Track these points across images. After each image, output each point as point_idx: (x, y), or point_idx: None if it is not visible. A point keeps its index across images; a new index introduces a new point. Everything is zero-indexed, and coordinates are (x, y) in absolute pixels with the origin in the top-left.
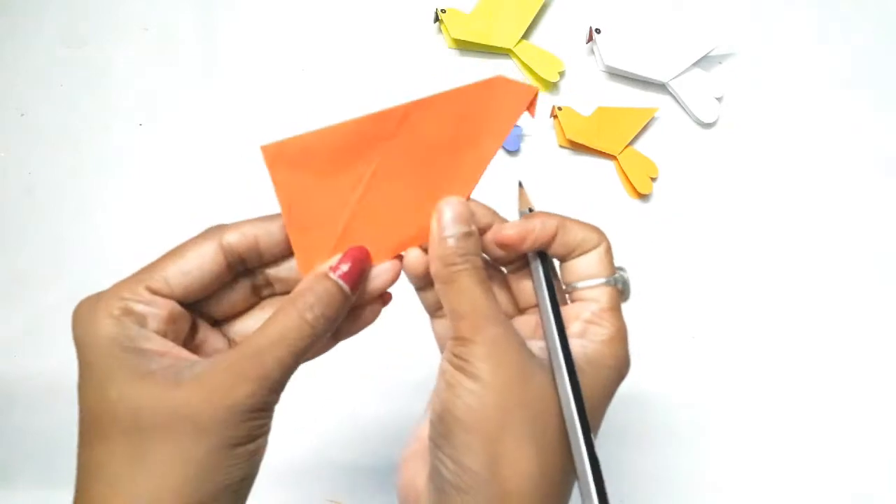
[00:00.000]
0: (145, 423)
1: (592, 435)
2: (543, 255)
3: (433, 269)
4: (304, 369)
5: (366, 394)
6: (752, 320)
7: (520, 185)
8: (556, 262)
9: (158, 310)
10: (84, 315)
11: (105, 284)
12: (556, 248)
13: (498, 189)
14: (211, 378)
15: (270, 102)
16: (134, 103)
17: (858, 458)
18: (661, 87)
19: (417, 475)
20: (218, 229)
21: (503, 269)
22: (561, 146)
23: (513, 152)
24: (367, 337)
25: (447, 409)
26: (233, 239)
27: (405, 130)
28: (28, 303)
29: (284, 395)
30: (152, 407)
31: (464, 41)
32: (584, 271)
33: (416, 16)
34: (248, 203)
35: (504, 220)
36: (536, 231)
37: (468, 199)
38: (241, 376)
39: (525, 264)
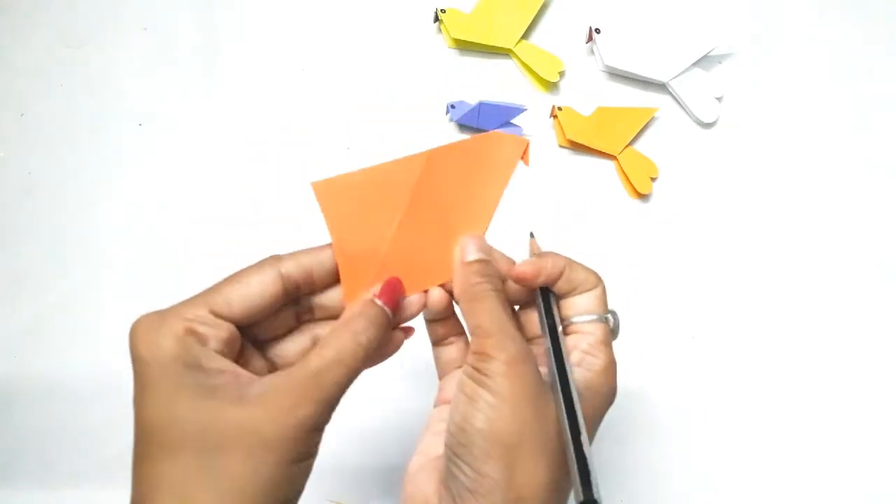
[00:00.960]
0: (214, 438)
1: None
2: (549, 292)
3: (458, 291)
4: None
5: (365, 394)
6: (752, 320)
7: (531, 235)
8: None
9: (219, 331)
10: (145, 332)
11: (105, 284)
12: (561, 284)
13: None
14: (275, 397)
15: (270, 102)
16: (134, 103)
17: (859, 459)
18: (661, 86)
19: (427, 485)
20: (276, 259)
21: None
22: (561, 146)
23: None
24: None
25: (467, 420)
26: (291, 268)
27: (426, 176)
28: (28, 303)
29: None
30: (220, 422)
31: (464, 41)
32: (582, 307)
33: (416, 16)
34: (247, 203)
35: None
36: (548, 268)
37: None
38: (305, 396)
39: (530, 302)
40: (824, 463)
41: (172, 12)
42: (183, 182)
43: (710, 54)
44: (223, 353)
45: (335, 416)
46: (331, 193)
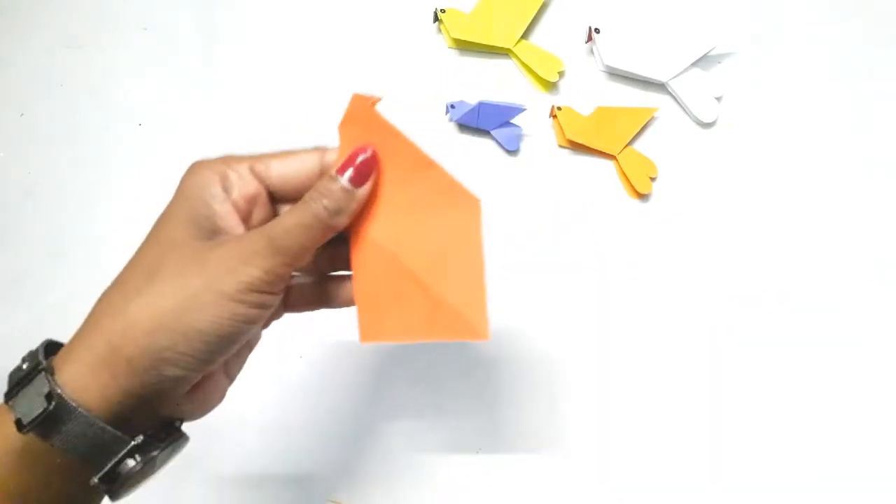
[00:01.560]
0: (168, 259)
1: None
2: None
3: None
4: (304, 371)
5: (365, 394)
6: (752, 320)
7: None
8: None
9: (247, 185)
10: (193, 166)
11: (105, 285)
12: None
13: (496, 188)
14: (230, 240)
15: (270, 102)
16: (134, 103)
17: (859, 459)
18: (660, 86)
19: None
20: (323, 149)
21: None
22: (560, 146)
23: (512, 152)
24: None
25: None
26: (332, 159)
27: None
28: (28, 303)
29: (284, 396)
30: (180, 248)
31: (463, 41)
32: None
33: (415, 16)
34: None
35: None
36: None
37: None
38: (254, 235)
39: None
40: (824, 463)
41: (172, 12)
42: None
43: (710, 54)
44: (239, 206)
45: (335, 415)
46: (361, 115)
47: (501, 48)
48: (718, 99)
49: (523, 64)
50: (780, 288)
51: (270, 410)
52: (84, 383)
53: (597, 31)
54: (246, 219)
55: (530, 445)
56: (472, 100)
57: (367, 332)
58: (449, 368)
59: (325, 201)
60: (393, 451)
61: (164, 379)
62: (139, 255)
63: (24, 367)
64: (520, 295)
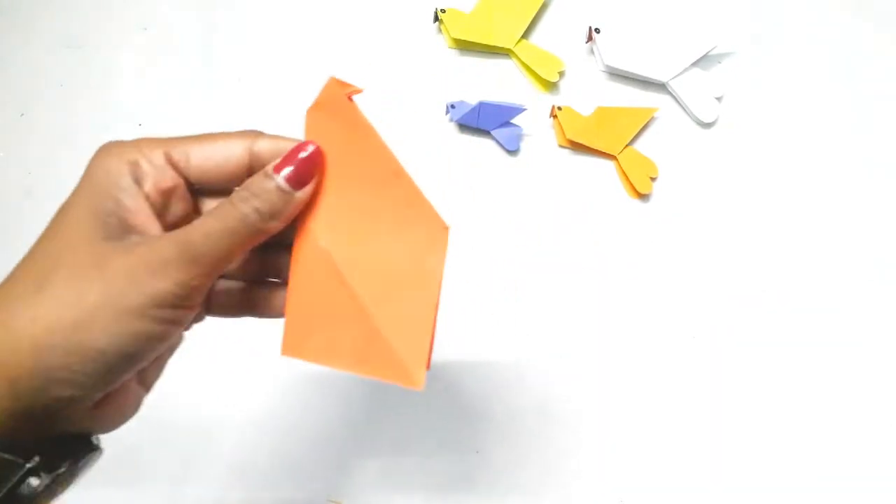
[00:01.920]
0: (65, 261)
1: None
2: None
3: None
4: (304, 370)
5: (365, 394)
6: (753, 320)
7: None
8: None
9: (162, 178)
10: (101, 151)
11: None
12: None
13: (496, 188)
14: (138, 244)
15: (270, 102)
16: (134, 103)
17: (859, 458)
18: (660, 86)
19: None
20: (254, 134)
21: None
22: (560, 146)
23: (512, 152)
24: None
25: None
26: (265, 148)
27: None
28: None
29: (284, 395)
30: (81, 248)
31: (464, 41)
32: None
33: (415, 16)
34: None
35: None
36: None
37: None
38: (164, 241)
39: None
40: (824, 462)
41: (172, 12)
42: None
43: (710, 54)
44: (152, 199)
45: (335, 415)
46: (332, 104)
47: (501, 48)
48: (718, 99)
49: (523, 64)
50: (780, 288)
51: (269, 410)
52: None
53: (597, 31)
54: (161, 214)
55: (529, 445)
56: (472, 100)
57: (289, 346)
58: (446, 368)
59: (256, 202)
60: (393, 452)
61: (57, 399)
62: (31, 254)
63: None
64: (519, 295)
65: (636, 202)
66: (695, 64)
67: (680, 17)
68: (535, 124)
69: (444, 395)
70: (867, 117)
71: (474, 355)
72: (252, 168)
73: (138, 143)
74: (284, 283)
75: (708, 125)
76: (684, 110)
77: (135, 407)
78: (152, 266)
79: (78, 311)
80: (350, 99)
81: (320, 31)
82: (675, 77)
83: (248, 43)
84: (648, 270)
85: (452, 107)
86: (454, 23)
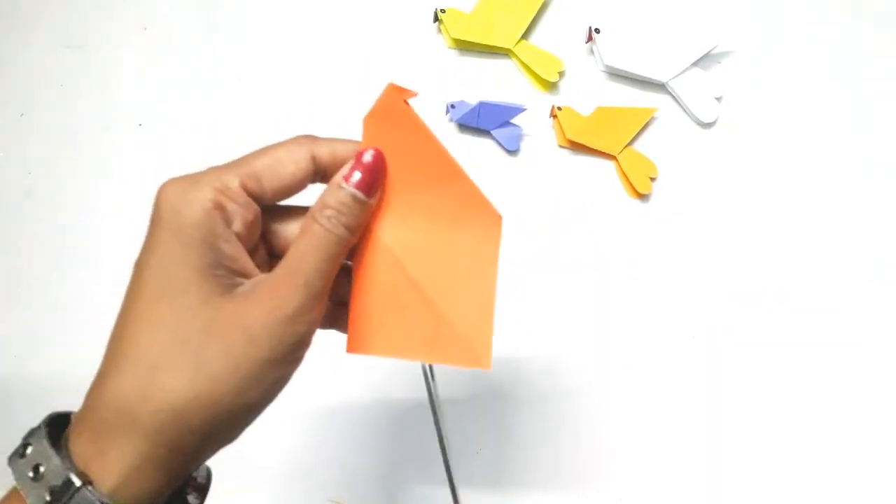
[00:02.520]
0: (197, 327)
1: None
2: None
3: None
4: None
5: (365, 394)
6: (753, 320)
7: None
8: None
9: (247, 213)
10: (175, 195)
11: (105, 284)
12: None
13: (496, 188)
14: (261, 293)
15: (270, 102)
16: (134, 103)
17: (859, 458)
18: (660, 86)
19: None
20: (311, 139)
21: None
22: (560, 146)
23: (512, 152)
24: None
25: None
26: (324, 153)
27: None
28: (28, 303)
29: (285, 395)
30: (206, 311)
31: (463, 41)
32: None
33: (415, 16)
34: None
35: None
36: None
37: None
38: (290, 287)
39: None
40: (825, 462)
41: (172, 12)
42: None
43: (710, 54)
44: (242, 238)
45: (335, 415)
46: (392, 110)
47: (501, 48)
48: (718, 99)
49: (523, 64)
50: (780, 288)
51: (269, 410)
52: (132, 494)
53: (597, 31)
54: (245, 246)
55: (529, 445)
56: (472, 100)
57: (356, 343)
58: (448, 368)
59: (343, 218)
60: (393, 451)
61: (211, 454)
62: (151, 320)
63: (43, 469)
64: (519, 295)
65: (636, 202)
66: (695, 64)
67: (680, 17)
68: (535, 124)
69: (445, 396)
70: (867, 117)
71: None
72: (315, 175)
73: (212, 180)
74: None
75: (708, 125)
76: (684, 110)
77: None
78: (288, 317)
79: (233, 377)
80: (406, 103)
81: (320, 31)
82: (674, 77)
83: (248, 43)
84: (648, 270)
85: (452, 107)
86: (454, 23)
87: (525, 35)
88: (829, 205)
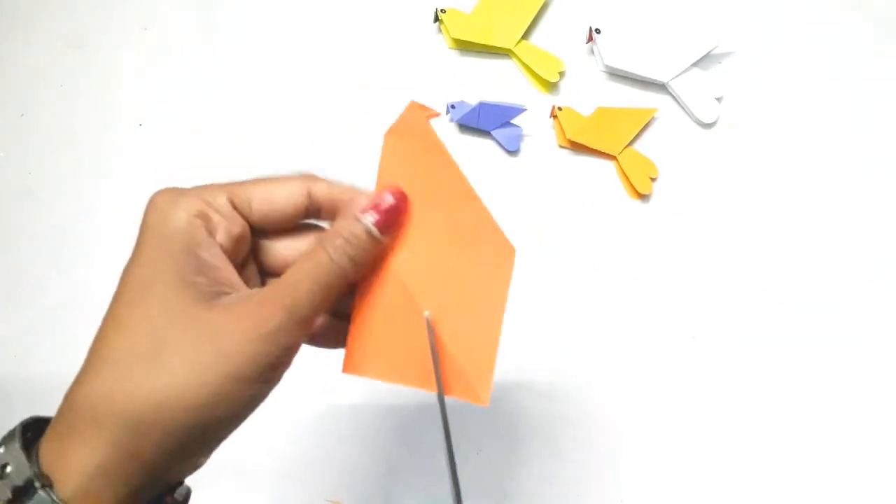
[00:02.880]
0: (169, 334)
1: None
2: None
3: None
4: (305, 370)
5: (365, 394)
6: (753, 320)
7: None
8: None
9: (232, 225)
10: (162, 203)
11: (105, 284)
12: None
13: (496, 188)
14: (243, 306)
15: (270, 102)
16: (134, 103)
17: (859, 458)
18: (660, 87)
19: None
20: (311, 178)
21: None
22: (561, 146)
23: (512, 153)
24: None
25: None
26: (322, 192)
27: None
28: (28, 303)
29: (284, 395)
30: (184, 319)
31: (464, 41)
32: None
33: (416, 16)
34: None
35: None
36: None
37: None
38: (272, 306)
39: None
40: (825, 462)
41: (172, 12)
42: (183, 182)
43: (710, 54)
44: (227, 250)
45: (335, 415)
46: (413, 129)
47: (502, 48)
48: (719, 99)
49: (523, 64)
50: (780, 288)
51: (268, 410)
52: (94, 498)
53: (597, 31)
54: (233, 261)
55: (529, 446)
56: (473, 100)
57: (352, 363)
58: None
59: (350, 250)
60: (393, 452)
61: (182, 468)
62: (122, 324)
63: (8, 470)
64: (519, 295)
65: (636, 202)
66: (695, 64)
67: (680, 18)
68: (535, 124)
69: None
70: (867, 117)
71: None
72: (308, 211)
73: (200, 192)
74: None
75: (708, 125)
76: (684, 110)
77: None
78: (263, 335)
79: (202, 390)
80: (428, 122)
81: (320, 30)
82: (675, 77)
83: (248, 43)
84: (648, 270)
85: (452, 107)
86: (454, 23)
87: (525, 35)
88: (829, 205)
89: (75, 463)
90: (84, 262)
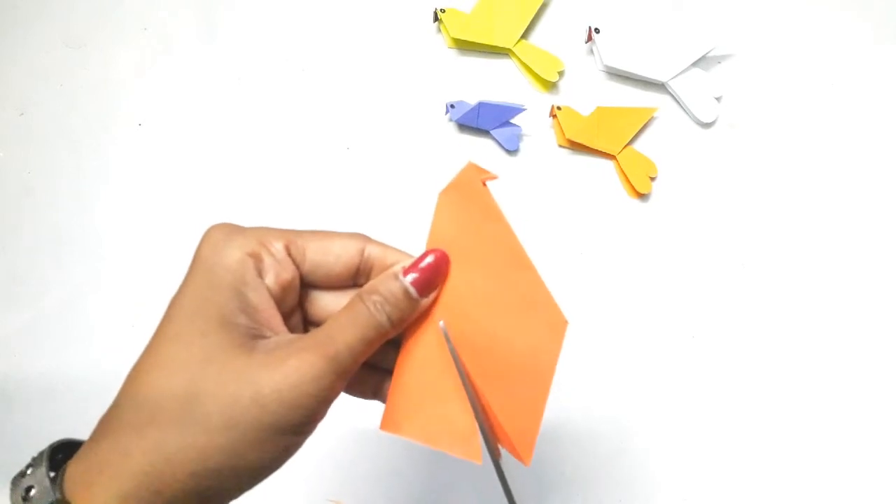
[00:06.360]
0: (206, 377)
1: None
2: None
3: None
4: None
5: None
6: (753, 320)
7: None
8: None
9: (283, 271)
10: (219, 238)
11: (104, 284)
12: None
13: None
14: (283, 352)
15: (270, 102)
16: (134, 103)
17: (859, 458)
18: (660, 86)
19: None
20: (365, 238)
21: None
22: (560, 146)
23: (512, 152)
24: None
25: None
26: (374, 252)
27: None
28: (28, 303)
29: None
30: (220, 360)
31: (463, 41)
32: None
33: (415, 16)
34: (247, 203)
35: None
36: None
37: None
38: (313, 355)
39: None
40: (826, 462)
41: (172, 12)
42: (182, 182)
43: (710, 54)
44: (275, 295)
45: (334, 415)
46: (469, 191)
47: (501, 48)
48: (718, 99)
49: (523, 64)
50: (781, 287)
51: None
52: None
53: (597, 30)
54: (279, 308)
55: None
56: (472, 100)
57: (391, 421)
58: None
59: (388, 308)
60: (393, 452)
61: None
62: (165, 363)
63: (33, 493)
64: None
65: (636, 202)
66: (695, 64)
67: (680, 18)
68: (534, 124)
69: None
70: (867, 117)
71: None
72: (359, 270)
73: (256, 233)
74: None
75: (707, 125)
76: (684, 110)
77: None
78: (305, 384)
79: (234, 435)
80: (484, 184)
81: (320, 31)
82: (674, 77)
83: (247, 43)
84: (648, 270)
85: (452, 107)
86: (454, 23)
87: (525, 35)
88: (828, 205)
89: (99, 492)
90: (84, 262)
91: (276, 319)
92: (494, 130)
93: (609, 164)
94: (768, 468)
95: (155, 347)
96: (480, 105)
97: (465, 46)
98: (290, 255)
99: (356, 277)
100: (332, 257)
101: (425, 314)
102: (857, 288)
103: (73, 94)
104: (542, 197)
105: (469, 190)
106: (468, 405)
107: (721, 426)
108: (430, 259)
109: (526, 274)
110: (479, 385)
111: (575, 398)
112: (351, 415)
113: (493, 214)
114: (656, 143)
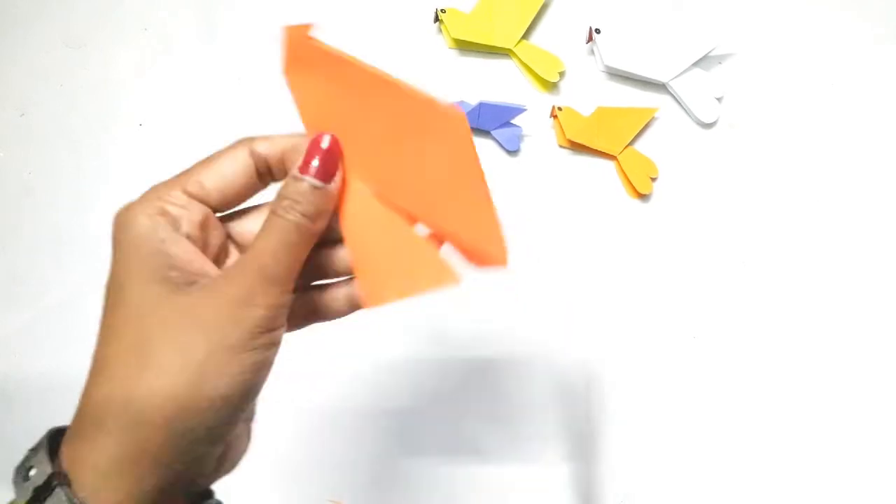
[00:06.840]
0: (152, 326)
1: None
2: None
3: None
4: (305, 370)
5: (366, 394)
6: (753, 320)
7: None
8: None
9: (192, 213)
10: (121, 216)
11: (104, 285)
12: None
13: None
14: (216, 283)
15: (270, 102)
16: (134, 103)
17: (860, 458)
18: (661, 87)
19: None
20: (248, 140)
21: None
22: (561, 146)
23: (512, 152)
24: (367, 336)
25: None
26: (263, 149)
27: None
28: (28, 303)
29: (285, 395)
30: (161, 310)
31: (464, 41)
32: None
33: (416, 16)
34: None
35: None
36: None
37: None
38: (242, 273)
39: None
40: (826, 462)
41: (172, 12)
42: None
43: (710, 54)
44: (193, 238)
45: (335, 415)
46: (304, 55)
47: (502, 48)
48: (719, 99)
49: (523, 64)
50: (781, 287)
51: (268, 410)
52: (110, 496)
53: (597, 31)
54: (205, 249)
55: (530, 448)
56: (473, 100)
57: (371, 296)
58: (447, 368)
59: (299, 208)
60: (393, 452)
61: (197, 459)
62: (110, 330)
63: (32, 473)
64: (519, 295)
65: (636, 202)
66: (695, 64)
67: (680, 18)
68: (535, 124)
69: (445, 395)
70: (867, 117)
71: (474, 355)
72: (260, 172)
73: (152, 193)
74: (334, 281)
75: (708, 125)
76: (684, 110)
77: (248, 444)
78: (241, 300)
79: (192, 367)
80: (311, 38)
81: (321, 31)
82: (675, 77)
83: (248, 43)
84: (648, 270)
85: None
86: (454, 23)
87: (525, 35)
88: (829, 205)
89: (90, 462)
90: (84, 262)
91: (206, 265)
92: (495, 131)
93: (610, 164)
94: (770, 468)
95: (102, 322)
96: (481, 105)
97: (466, 47)
98: (191, 196)
99: (264, 180)
100: (228, 176)
101: (342, 188)
102: (857, 287)
103: (73, 94)
104: (543, 197)
105: (304, 53)
106: (422, 240)
107: (723, 426)
108: (321, 145)
109: (401, 93)
110: (425, 217)
111: (574, 399)
112: (350, 414)
113: (339, 62)
114: (657, 143)
